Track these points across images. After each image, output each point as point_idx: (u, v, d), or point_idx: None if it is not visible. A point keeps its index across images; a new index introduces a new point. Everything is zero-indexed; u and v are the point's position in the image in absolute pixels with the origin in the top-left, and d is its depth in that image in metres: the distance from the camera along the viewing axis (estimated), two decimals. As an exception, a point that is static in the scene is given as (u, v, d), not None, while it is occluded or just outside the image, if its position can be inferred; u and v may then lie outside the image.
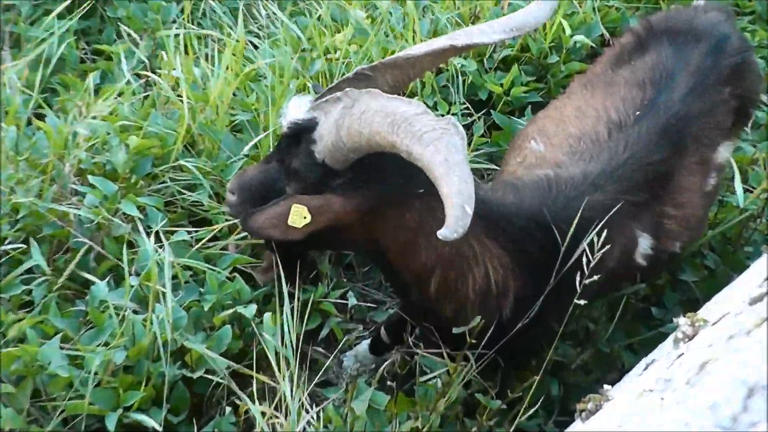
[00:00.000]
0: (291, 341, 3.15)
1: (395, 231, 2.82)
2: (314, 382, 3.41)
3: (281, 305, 3.19)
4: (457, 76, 4.69)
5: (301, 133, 2.74)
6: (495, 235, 2.90)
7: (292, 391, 3.05)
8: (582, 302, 2.87)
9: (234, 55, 4.40)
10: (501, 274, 2.96)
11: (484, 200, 2.90)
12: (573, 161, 3.26)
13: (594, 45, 5.00)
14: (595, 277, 2.84)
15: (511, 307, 3.05)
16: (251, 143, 3.94)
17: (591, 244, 2.93)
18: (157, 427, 2.95)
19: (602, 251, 2.81)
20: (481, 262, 2.92)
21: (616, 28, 5.19)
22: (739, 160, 4.33)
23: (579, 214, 2.95)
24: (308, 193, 2.75)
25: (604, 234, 2.94)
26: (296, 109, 2.79)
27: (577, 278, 2.84)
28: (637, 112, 3.37)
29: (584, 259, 2.83)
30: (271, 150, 3.00)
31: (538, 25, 3.08)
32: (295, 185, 2.78)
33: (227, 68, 4.31)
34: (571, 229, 2.94)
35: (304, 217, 2.71)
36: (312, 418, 3.09)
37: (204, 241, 3.60)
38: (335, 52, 4.61)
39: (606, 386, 2.62)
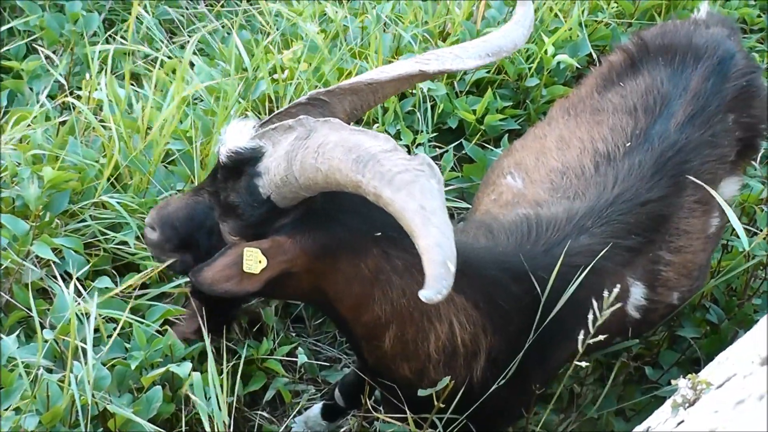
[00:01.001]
0: (228, 405, 3.17)
1: (347, 281, 2.84)
2: (257, 454, 3.43)
3: (218, 362, 3.22)
4: (425, 101, 4.74)
5: (243, 164, 2.75)
6: (461, 287, 2.86)
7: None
8: (584, 364, 2.91)
9: (167, 74, 4.45)
10: (469, 330, 3.00)
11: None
12: (555, 199, 3.30)
13: (579, 66, 5.08)
14: (601, 337, 2.85)
15: (482, 368, 3.08)
16: (185, 177, 3.97)
17: (585, 296, 2.97)
18: (73, 506, 2.96)
19: (613, 308, 2.82)
20: (444, 318, 2.95)
21: (605, 47, 5.27)
22: (745, 199, 4.39)
23: (561, 261, 3.00)
24: (248, 233, 2.79)
25: (590, 283, 3.01)
26: (237, 135, 2.80)
27: (580, 337, 2.87)
28: (628, 144, 3.41)
29: (590, 316, 2.84)
30: (203, 180, 3.01)
31: (516, 48, 3.15)
32: (233, 223, 2.81)
33: (159, 90, 4.35)
34: (551, 279, 3.00)
35: (259, 261, 2.73)
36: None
37: (131, 289, 3.62)
38: (282, 72, 4.66)
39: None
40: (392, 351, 3.00)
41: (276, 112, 2.87)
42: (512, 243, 3.14)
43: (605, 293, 2.81)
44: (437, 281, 2.31)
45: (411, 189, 2.40)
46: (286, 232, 2.75)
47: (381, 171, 2.45)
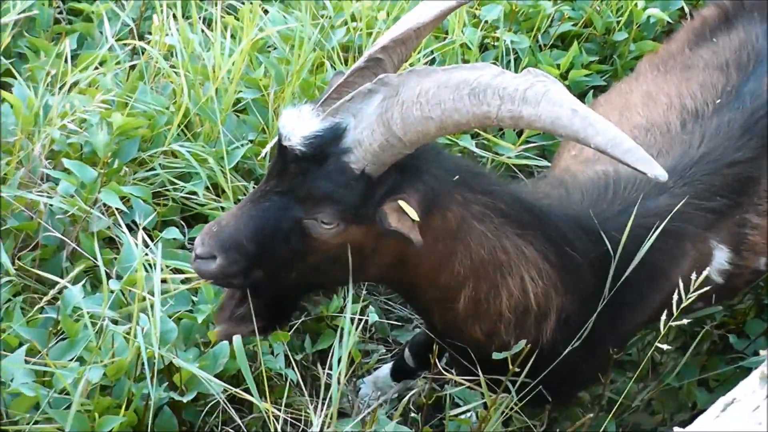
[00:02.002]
0: (298, 363, 3.18)
1: (435, 239, 2.83)
2: (325, 413, 3.43)
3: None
4: (507, 54, 4.71)
5: (326, 146, 2.68)
6: (531, 237, 2.93)
7: (298, 421, 3.07)
8: (665, 347, 2.88)
9: (239, 20, 4.44)
10: (541, 286, 2.99)
11: (517, 197, 2.95)
12: None
13: (670, 20, 5.01)
14: (685, 321, 2.84)
15: (552, 329, 3.08)
16: (257, 127, 3.97)
17: (662, 259, 2.94)
18: (137, 459, 2.99)
19: (703, 276, 2.81)
20: (516, 273, 2.95)
21: (698, 1, 5.19)
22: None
23: (633, 221, 2.97)
24: (349, 215, 2.72)
25: (668, 246, 2.97)
26: (301, 121, 2.71)
27: (675, 303, 2.84)
28: (718, 101, 3.36)
29: (680, 283, 2.83)
30: (258, 187, 2.89)
31: None
32: (329, 211, 2.72)
33: (232, 36, 4.34)
34: (623, 239, 2.97)
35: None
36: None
37: (199, 240, 3.64)
38: (360, 21, 4.63)
39: (676, 429, 2.61)
40: (465, 312, 2.99)
41: (332, 88, 2.78)
42: (587, 200, 3.13)
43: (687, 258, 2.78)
44: (645, 162, 2.38)
45: (550, 98, 2.44)
46: (390, 199, 2.71)
47: (508, 93, 2.47)
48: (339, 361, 3.05)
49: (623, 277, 3.00)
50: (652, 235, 2.97)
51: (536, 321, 3.04)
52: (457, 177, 2.82)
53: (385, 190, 2.70)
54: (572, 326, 3.09)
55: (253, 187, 3.90)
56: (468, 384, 3.26)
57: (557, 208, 3.05)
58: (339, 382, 3.09)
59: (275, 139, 3.82)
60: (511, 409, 3.22)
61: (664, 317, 2.85)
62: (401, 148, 2.62)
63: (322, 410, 3.11)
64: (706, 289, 2.83)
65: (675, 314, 2.81)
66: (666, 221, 3.00)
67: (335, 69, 4.40)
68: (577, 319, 3.08)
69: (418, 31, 2.85)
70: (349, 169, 2.66)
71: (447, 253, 2.88)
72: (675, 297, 2.83)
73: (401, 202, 2.67)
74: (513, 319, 3.02)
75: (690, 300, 2.82)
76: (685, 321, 2.86)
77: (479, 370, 3.17)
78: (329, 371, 3.79)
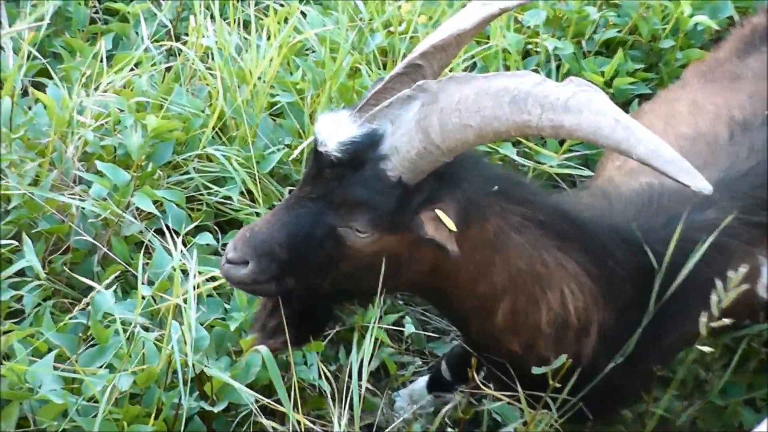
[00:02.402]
0: (332, 374, 3.16)
1: (472, 248, 2.81)
2: (359, 425, 3.41)
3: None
4: (549, 61, 4.69)
5: (363, 152, 2.67)
6: (571, 249, 2.92)
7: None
8: (707, 349, 2.85)
9: (279, 23, 4.43)
10: (581, 300, 2.96)
11: (557, 207, 2.93)
12: None
13: (718, 28, 4.97)
14: (727, 321, 2.79)
15: (592, 345, 3.04)
16: (293, 131, 3.96)
17: (708, 275, 2.90)
18: (166, 470, 2.97)
19: (739, 288, 2.77)
20: (556, 286, 2.93)
21: (747, 9, 5.14)
22: None
23: (678, 235, 2.94)
24: (384, 223, 2.71)
25: (714, 261, 2.93)
26: (338, 126, 2.71)
27: (702, 320, 2.82)
28: (767, 112, 3.33)
29: (714, 297, 2.79)
30: (292, 193, 2.87)
31: None
32: (364, 219, 2.71)
33: (269, 38, 4.33)
34: (668, 252, 2.93)
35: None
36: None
37: (233, 246, 3.62)
38: (399, 25, 4.62)
39: (721, 449, 2.60)
40: (503, 325, 2.97)
41: (369, 93, 2.77)
42: (630, 212, 3.09)
43: (730, 273, 2.75)
44: (688, 173, 2.37)
45: (592, 107, 2.42)
46: (427, 208, 2.69)
47: (550, 102, 2.45)
48: (359, 369, 3.03)
49: (668, 292, 2.96)
50: (700, 248, 2.93)
51: (576, 336, 3.01)
52: (495, 186, 2.80)
53: (422, 198, 2.68)
54: (613, 342, 3.06)
55: (289, 193, 3.89)
56: (507, 399, 3.23)
57: (599, 219, 3.02)
58: (361, 389, 3.08)
59: (308, 141, 3.81)
60: (551, 426, 3.18)
61: (704, 318, 2.81)
62: (439, 155, 2.60)
63: (345, 419, 3.09)
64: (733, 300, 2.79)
65: (716, 316, 2.77)
66: (713, 236, 2.96)
67: (372, 73, 4.39)
68: (618, 335, 3.05)
69: (459, 38, 2.84)
70: (386, 176, 2.65)
71: (485, 263, 2.85)
72: (714, 297, 2.79)
73: (438, 212, 2.65)
74: (552, 334, 2.99)
75: (729, 300, 2.78)
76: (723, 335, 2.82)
77: (518, 385, 3.14)
78: (364, 383, 3.79)
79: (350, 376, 3.55)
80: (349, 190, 2.69)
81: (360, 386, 3.10)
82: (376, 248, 2.75)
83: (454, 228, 2.64)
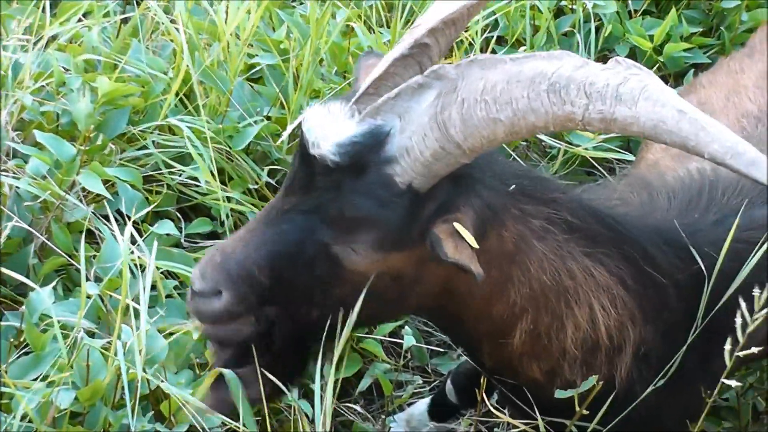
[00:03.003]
0: (318, 394, 3.18)
1: (488, 263, 2.76)
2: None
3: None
4: (587, 21, 4.68)
5: (365, 154, 2.61)
6: (603, 256, 2.89)
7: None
8: (735, 384, 2.84)
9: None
10: (614, 317, 2.96)
11: (585, 205, 2.93)
12: None
13: (795, -14, 5.00)
14: (755, 350, 2.77)
15: (627, 366, 3.05)
16: (274, 99, 3.97)
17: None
18: (112, 508, 2.99)
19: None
20: (584, 301, 2.92)
21: (828, -38, 5.17)
22: None
23: (732, 235, 2.93)
24: (389, 241, 2.67)
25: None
26: (335, 123, 2.65)
27: (726, 347, 2.77)
28: None
29: (738, 319, 2.74)
30: (274, 202, 2.81)
31: None
32: (367, 237, 2.67)
33: (248, -12, 4.35)
34: (721, 257, 2.94)
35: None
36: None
37: (198, 238, 3.64)
38: (407, -28, 4.64)
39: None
40: (521, 349, 2.97)
41: (369, 82, 2.69)
42: (675, 208, 3.11)
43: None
44: (760, 167, 2.30)
45: (649, 96, 2.38)
46: (449, 213, 2.66)
47: (597, 90, 2.42)
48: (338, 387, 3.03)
49: (720, 302, 2.97)
50: (758, 250, 2.94)
51: (608, 357, 3.02)
52: (512, 185, 2.78)
53: (434, 206, 2.65)
54: (653, 362, 3.06)
55: (268, 179, 3.91)
56: (523, 427, 3.24)
57: (636, 218, 3.03)
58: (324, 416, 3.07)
59: (294, 124, 3.81)
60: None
61: (728, 347, 2.80)
62: (459, 156, 2.57)
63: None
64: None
65: (741, 342, 2.76)
66: None
67: (372, 32, 4.40)
68: (660, 354, 3.06)
69: (471, 9, 2.81)
70: (393, 182, 2.59)
71: (502, 280, 2.85)
72: (738, 320, 2.75)
73: (458, 226, 2.62)
74: (579, 356, 3.00)
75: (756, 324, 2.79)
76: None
77: (536, 412, 3.15)
78: (353, 405, 3.82)
79: (345, 397, 3.59)
80: (349, 202, 2.64)
81: (346, 408, 3.11)
82: (377, 268, 2.72)
83: (475, 244, 2.61)
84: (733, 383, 2.82)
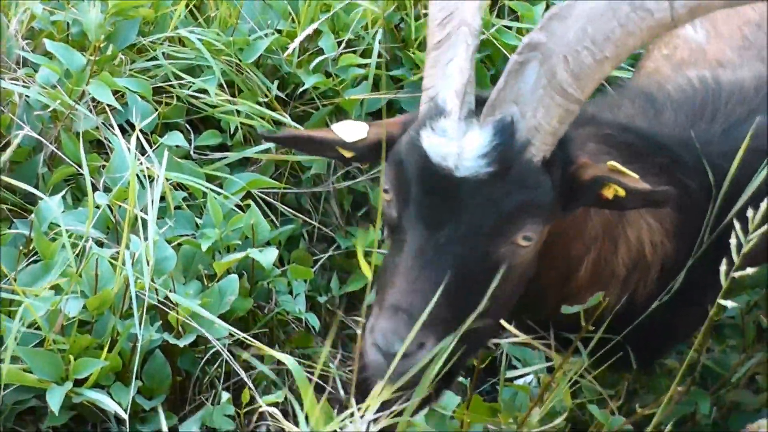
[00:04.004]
0: (323, 307, 3.18)
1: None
2: (351, 369, 3.43)
3: (311, 252, 3.21)
4: None
5: (508, 152, 2.56)
6: (643, 172, 2.75)
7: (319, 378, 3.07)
8: (731, 305, 2.82)
9: None
10: (657, 233, 2.98)
11: (618, 123, 2.93)
12: (744, 60, 3.21)
13: None
14: (749, 272, 2.74)
15: (653, 281, 3.05)
16: (285, 13, 3.94)
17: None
18: (119, 411, 2.98)
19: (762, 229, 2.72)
20: (634, 219, 2.93)
21: None
22: None
23: (746, 145, 2.90)
24: (548, 214, 2.64)
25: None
26: (462, 139, 2.56)
27: (722, 268, 2.74)
28: None
29: (732, 240, 2.72)
30: (417, 239, 2.65)
31: None
32: (532, 223, 2.63)
33: None
34: (732, 168, 2.92)
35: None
36: (347, 419, 3.12)
37: (207, 149, 3.63)
38: None
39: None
40: (582, 282, 2.96)
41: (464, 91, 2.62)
42: (681, 121, 3.08)
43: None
44: None
45: None
46: (573, 161, 2.67)
47: None
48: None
49: (730, 214, 2.95)
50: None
51: (642, 274, 3.02)
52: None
53: (560, 168, 2.64)
54: (674, 276, 3.06)
55: (278, 92, 3.87)
56: (528, 339, 3.22)
57: (651, 138, 2.99)
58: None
59: (306, 32, 3.77)
60: (582, 376, 3.18)
61: (723, 267, 2.78)
62: (577, 107, 2.55)
63: (337, 360, 3.09)
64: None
65: (736, 263, 2.74)
66: None
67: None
68: (680, 268, 3.05)
69: None
70: (533, 164, 2.57)
71: (584, 212, 2.83)
72: (733, 241, 2.72)
73: (615, 164, 2.62)
74: (623, 277, 3.00)
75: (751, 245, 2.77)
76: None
77: (551, 333, 3.14)
78: (360, 318, 3.80)
79: (352, 311, 3.58)
80: (505, 202, 2.59)
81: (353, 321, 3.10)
82: (536, 249, 2.71)
83: (635, 175, 2.60)
84: (730, 304, 2.81)
